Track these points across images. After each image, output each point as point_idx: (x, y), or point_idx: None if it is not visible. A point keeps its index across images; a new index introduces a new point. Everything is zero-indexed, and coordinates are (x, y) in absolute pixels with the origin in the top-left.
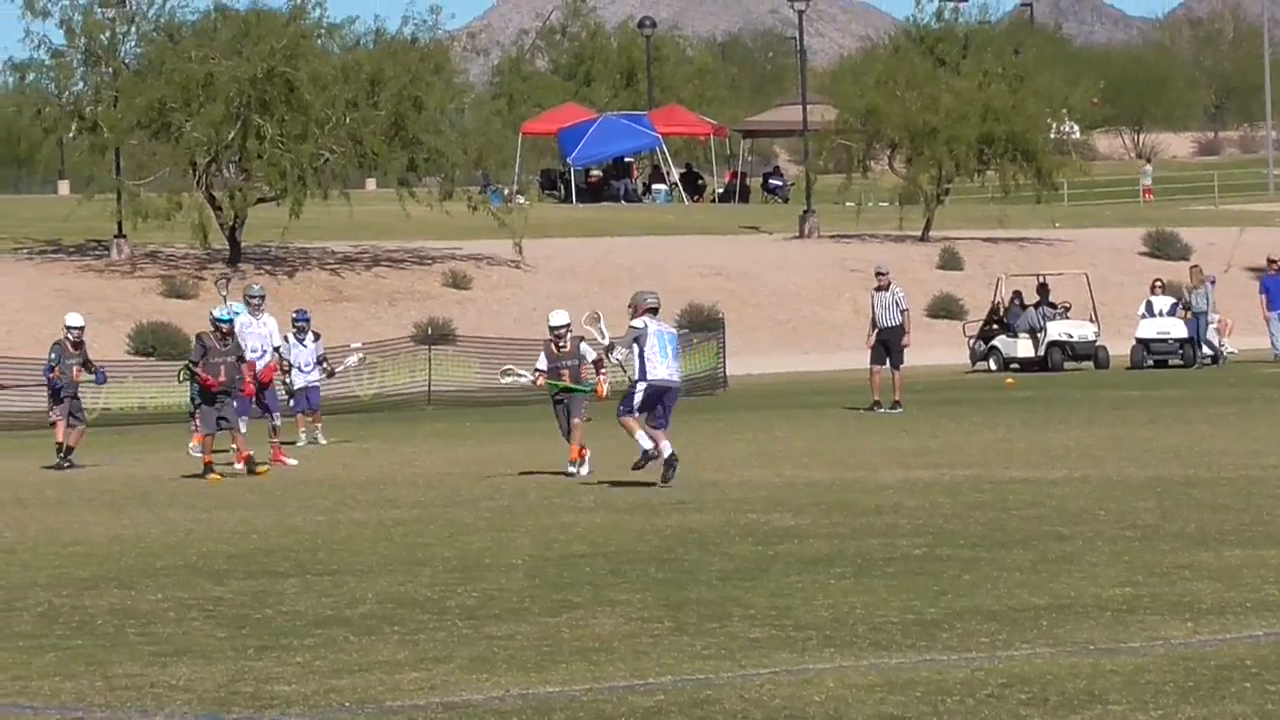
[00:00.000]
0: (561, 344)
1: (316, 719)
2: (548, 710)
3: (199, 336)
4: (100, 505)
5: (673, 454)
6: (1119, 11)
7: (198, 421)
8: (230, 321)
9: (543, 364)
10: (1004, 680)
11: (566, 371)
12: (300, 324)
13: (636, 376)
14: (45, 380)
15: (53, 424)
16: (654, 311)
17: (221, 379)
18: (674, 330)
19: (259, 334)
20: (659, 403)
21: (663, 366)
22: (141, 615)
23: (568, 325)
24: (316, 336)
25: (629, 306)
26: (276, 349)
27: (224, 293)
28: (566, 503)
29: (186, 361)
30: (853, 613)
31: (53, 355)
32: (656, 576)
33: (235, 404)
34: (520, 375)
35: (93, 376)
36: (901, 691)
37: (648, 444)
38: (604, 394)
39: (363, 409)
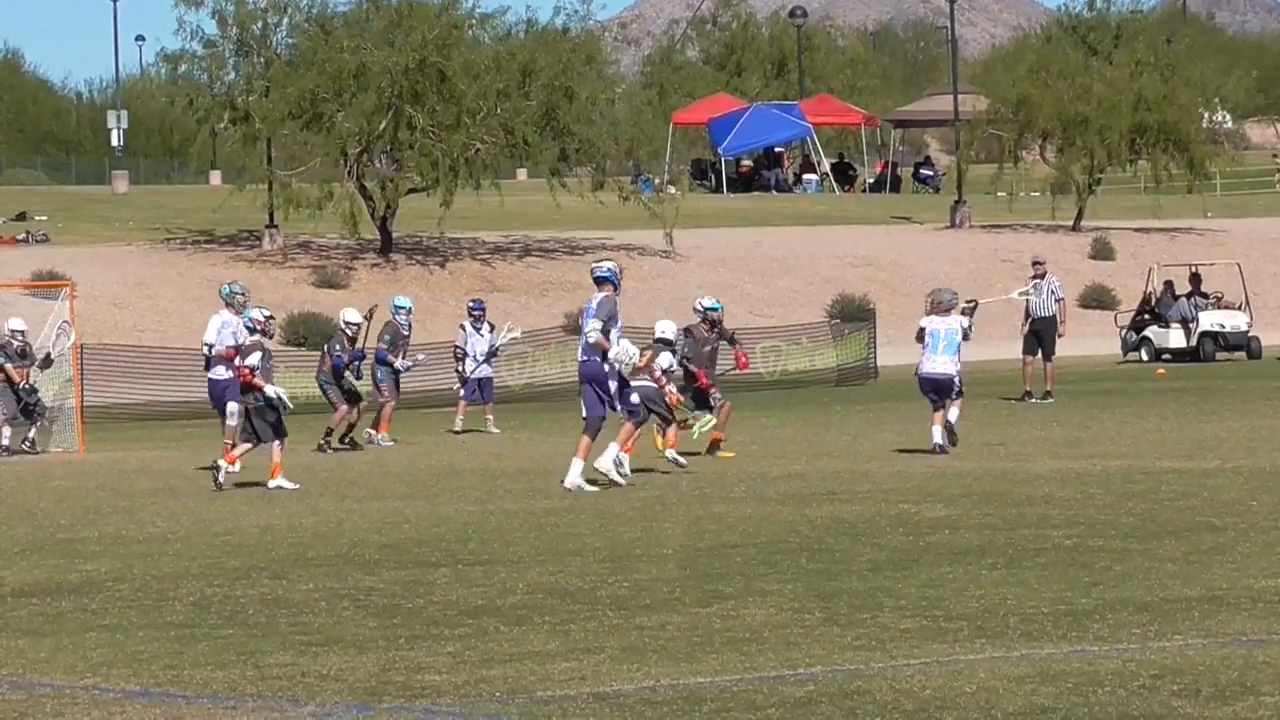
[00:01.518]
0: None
1: (467, 709)
2: (698, 700)
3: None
4: (252, 495)
5: (950, 423)
6: (1273, 0)
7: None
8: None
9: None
10: (1155, 672)
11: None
12: (476, 313)
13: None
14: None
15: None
16: (946, 310)
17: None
18: (955, 326)
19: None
20: (933, 391)
21: (931, 361)
22: (293, 605)
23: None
24: (492, 327)
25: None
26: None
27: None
28: (718, 493)
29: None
30: (1004, 604)
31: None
32: (807, 567)
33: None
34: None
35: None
36: (1053, 683)
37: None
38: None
39: (514, 399)
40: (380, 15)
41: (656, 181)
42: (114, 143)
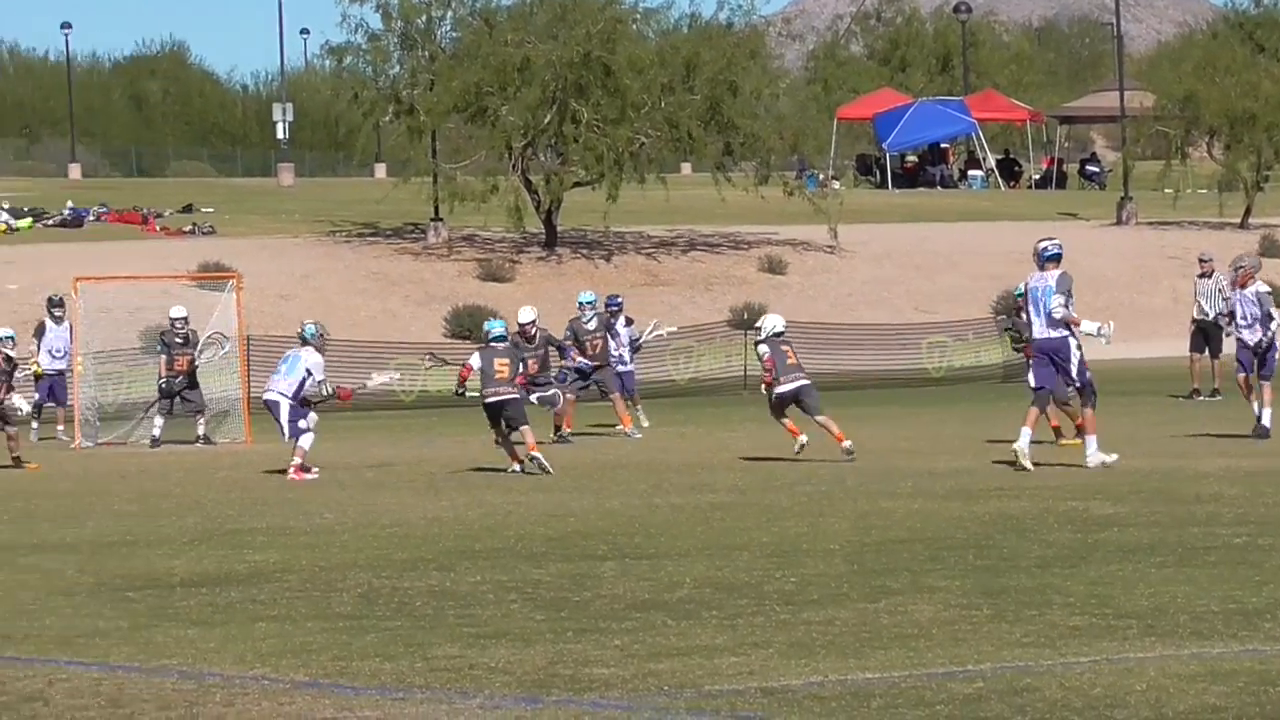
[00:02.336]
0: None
1: (634, 703)
2: (866, 696)
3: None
4: (419, 487)
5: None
6: None
7: None
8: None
9: None
10: None
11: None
12: (613, 309)
13: None
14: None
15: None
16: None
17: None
18: (1050, 285)
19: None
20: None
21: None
22: (460, 597)
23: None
24: (629, 321)
25: None
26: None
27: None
28: (884, 488)
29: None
30: (1173, 602)
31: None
32: (975, 563)
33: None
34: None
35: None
36: (1224, 682)
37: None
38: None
39: (678, 393)
40: (544, 9)
41: (821, 177)
42: (279, 135)
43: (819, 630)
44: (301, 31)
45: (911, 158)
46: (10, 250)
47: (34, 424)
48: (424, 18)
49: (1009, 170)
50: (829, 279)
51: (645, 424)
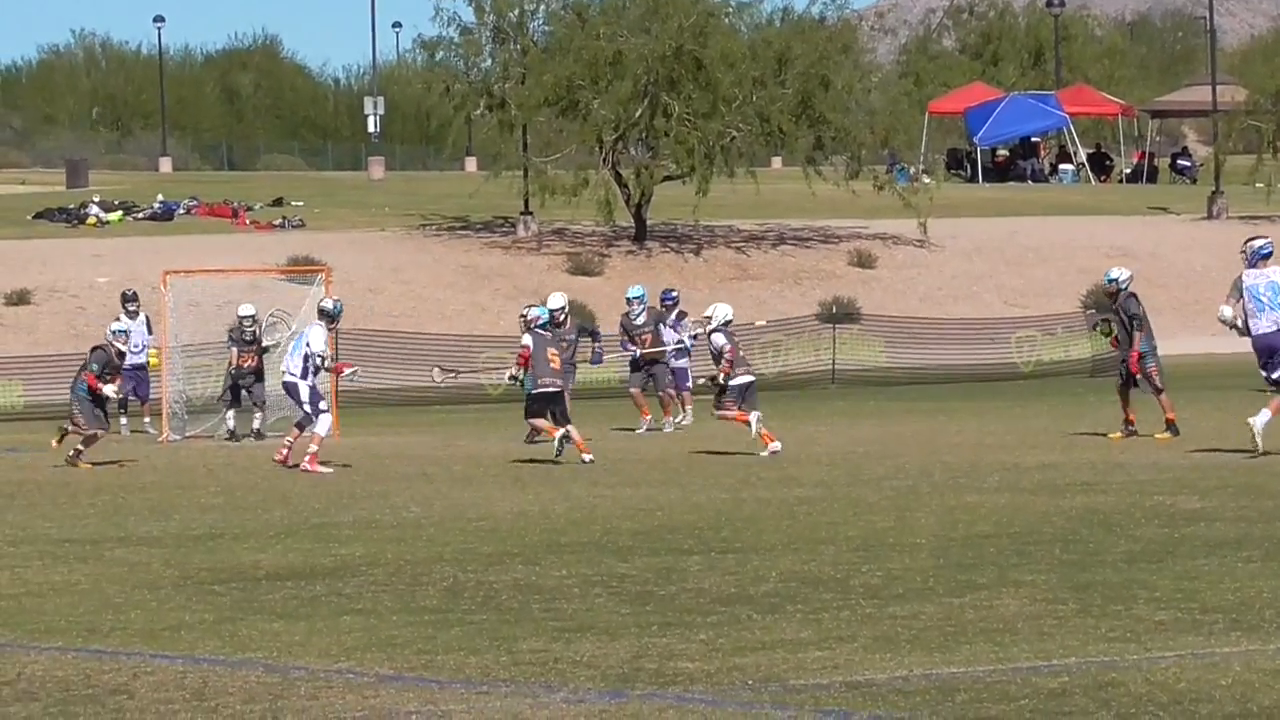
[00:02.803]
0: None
1: (720, 697)
2: (952, 691)
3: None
4: (506, 481)
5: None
6: None
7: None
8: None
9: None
10: None
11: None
12: (667, 304)
13: None
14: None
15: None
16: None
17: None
18: (1275, 281)
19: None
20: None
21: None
22: (546, 591)
23: None
24: (683, 315)
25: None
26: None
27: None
28: (971, 483)
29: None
30: (1260, 597)
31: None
32: (1061, 558)
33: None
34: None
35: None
36: None
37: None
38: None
39: (766, 387)
40: (636, 3)
41: (912, 171)
42: (370, 129)
43: (904, 625)
44: (394, 25)
45: (1002, 152)
46: (101, 244)
47: (123, 418)
48: (516, 11)
49: (1100, 164)
50: (918, 273)
51: (687, 423)
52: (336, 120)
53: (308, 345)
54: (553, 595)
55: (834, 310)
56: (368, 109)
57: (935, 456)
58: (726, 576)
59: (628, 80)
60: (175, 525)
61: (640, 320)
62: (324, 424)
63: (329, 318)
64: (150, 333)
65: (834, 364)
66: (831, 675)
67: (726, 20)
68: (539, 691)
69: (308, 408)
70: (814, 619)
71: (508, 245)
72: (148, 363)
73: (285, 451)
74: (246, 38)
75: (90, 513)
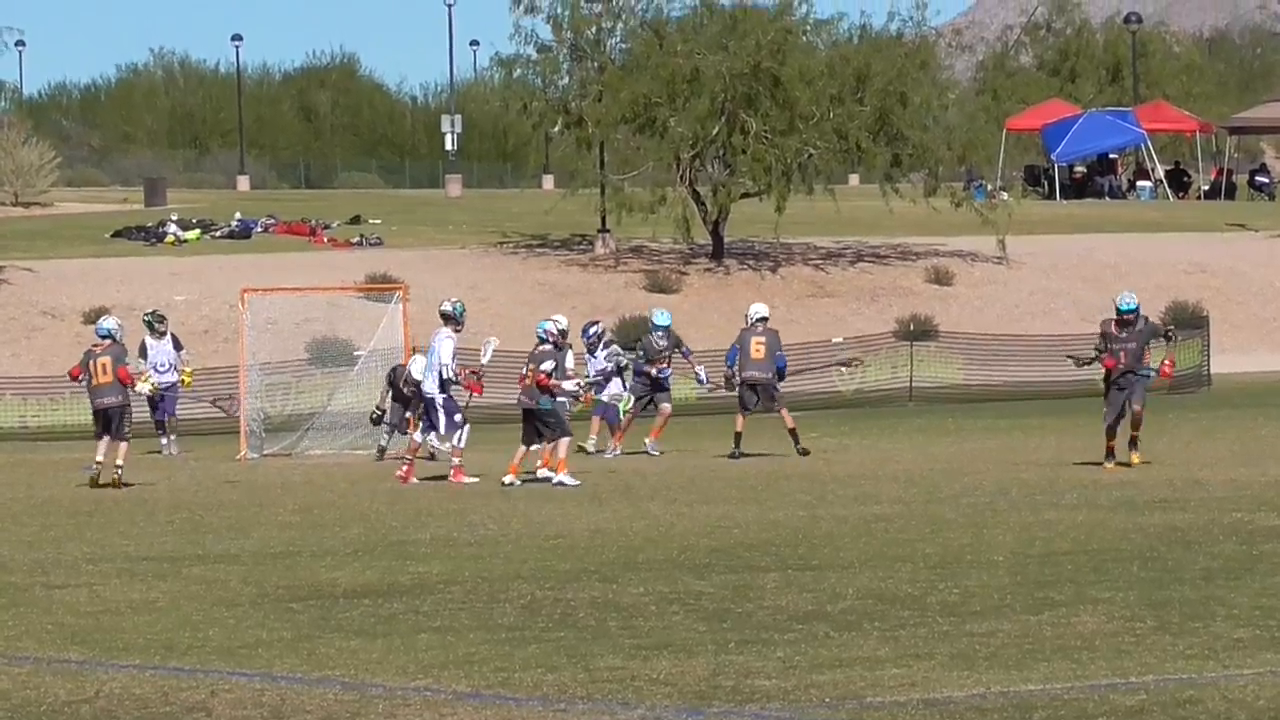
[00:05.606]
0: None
1: (796, 714)
2: (1029, 708)
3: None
4: (582, 498)
5: None
6: None
7: None
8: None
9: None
10: None
11: None
12: (590, 340)
13: None
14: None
15: None
16: None
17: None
18: None
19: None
20: None
21: None
22: (623, 608)
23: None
24: (609, 344)
25: None
26: None
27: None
28: (1048, 500)
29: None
30: None
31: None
32: (1139, 575)
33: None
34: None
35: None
36: None
37: None
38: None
39: (844, 405)
40: (714, 20)
41: (990, 188)
42: (448, 147)
43: (981, 642)
44: (471, 43)
45: (1080, 168)
46: (178, 262)
47: (164, 439)
48: (594, 29)
49: (1178, 181)
50: (996, 290)
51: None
52: (414, 138)
53: (439, 358)
54: (630, 613)
55: (911, 327)
56: (445, 127)
57: (1013, 474)
58: (803, 594)
59: (705, 97)
60: (253, 543)
61: (662, 344)
62: (461, 436)
63: (453, 321)
64: (179, 350)
65: (911, 381)
66: (909, 693)
67: (804, 37)
68: (616, 709)
69: (443, 419)
70: (891, 636)
71: (585, 263)
72: (180, 381)
73: (406, 468)
74: (324, 56)
75: (168, 530)
